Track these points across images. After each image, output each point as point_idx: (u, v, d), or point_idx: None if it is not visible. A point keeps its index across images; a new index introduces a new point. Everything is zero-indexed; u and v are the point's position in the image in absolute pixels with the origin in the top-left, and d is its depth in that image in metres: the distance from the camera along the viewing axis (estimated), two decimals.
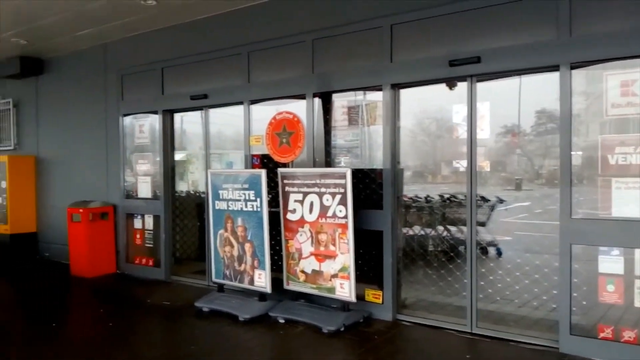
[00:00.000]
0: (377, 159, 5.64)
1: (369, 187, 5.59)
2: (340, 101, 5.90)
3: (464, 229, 5.12)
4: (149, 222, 7.73)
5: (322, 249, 5.39)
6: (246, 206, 5.82)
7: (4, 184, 9.11)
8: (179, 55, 7.13)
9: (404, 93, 5.41)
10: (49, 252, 9.24)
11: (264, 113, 6.34)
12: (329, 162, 5.93)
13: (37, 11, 6.61)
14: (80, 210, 7.73)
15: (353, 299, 5.18)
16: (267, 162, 6.34)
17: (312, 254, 5.48)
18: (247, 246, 5.84)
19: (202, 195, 7.56)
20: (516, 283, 5.03)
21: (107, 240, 7.95)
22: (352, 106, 5.83)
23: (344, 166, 5.82)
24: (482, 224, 5.24)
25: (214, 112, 7.00)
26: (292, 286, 5.70)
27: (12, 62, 8.89)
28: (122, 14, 6.74)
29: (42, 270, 8.54)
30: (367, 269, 5.54)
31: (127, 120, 7.95)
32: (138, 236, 7.86)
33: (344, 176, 5.15)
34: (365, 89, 5.65)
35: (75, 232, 7.85)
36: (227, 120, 7.05)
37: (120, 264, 8.07)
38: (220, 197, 6.08)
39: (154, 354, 4.67)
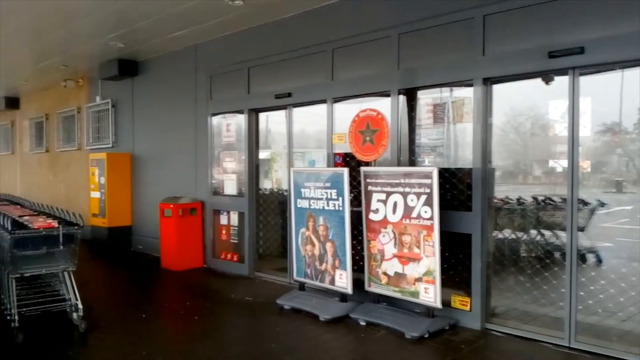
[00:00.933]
0: (463, 158, 5.36)
1: (456, 188, 5.32)
2: (425, 99, 5.67)
3: (561, 233, 4.72)
4: (234, 218, 7.90)
5: (405, 251, 5.20)
6: (328, 205, 5.75)
7: (103, 180, 9.72)
8: (265, 54, 7.21)
9: (496, 88, 5.09)
10: (141, 245, 9.74)
11: (347, 111, 6.25)
12: (413, 161, 5.73)
13: (135, 14, 6.95)
14: (171, 206, 8.06)
15: (438, 304, 4.95)
16: (349, 161, 6.25)
17: (395, 255, 5.30)
18: (329, 245, 5.78)
19: (285, 193, 7.63)
20: (620, 294, 4.56)
21: (195, 235, 8.23)
22: (438, 104, 5.58)
23: (429, 165, 5.58)
24: (581, 229, 4.81)
25: (297, 111, 7.01)
26: (373, 288, 5.56)
27: (111, 65, 9.46)
28: (211, 14, 6.92)
29: (135, 262, 9.01)
30: (454, 273, 5.28)
31: (215, 119, 8.18)
32: (224, 232, 8.06)
33: (429, 175, 4.93)
34: (453, 84, 5.38)
35: (166, 227, 8.20)
36: (309, 118, 7.03)
37: (206, 259, 8.32)
38: (302, 195, 6.06)
39: (237, 350, 4.72)
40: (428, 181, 4.93)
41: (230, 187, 7.99)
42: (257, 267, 7.70)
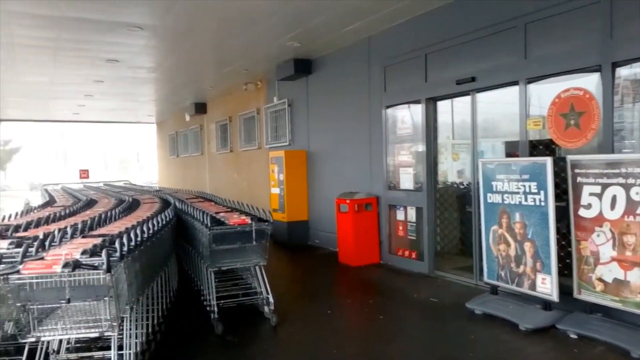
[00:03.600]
0: None
1: None
2: None
3: None
4: (411, 214, 7.58)
5: (628, 254, 4.36)
6: (526, 200, 5.11)
7: (281, 177, 10.12)
8: (443, 38, 6.73)
9: None
10: (318, 239, 9.93)
11: (542, 93, 5.52)
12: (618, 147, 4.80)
13: (312, 12, 6.98)
14: (347, 201, 8.02)
15: None
16: (542, 149, 5.51)
17: (614, 259, 4.48)
18: (527, 245, 5.13)
19: (462, 187, 7.10)
20: None
21: (371, 231, 8.09)
22: None
23: None
24: None
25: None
26: (584, 296, 4.79)
27: (287, 65, 9.78)
28: (383, 3, 6.67)
29: (314, 256, 9.20)
30: None
31: (390, 111, 7.93)
32: (400, 228, 7.78)
33: None
34: None
35: (343, 222, 8.20)
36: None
37: (383, 255, 8.13)
38: (494, 189, 5.48)
39: (430, 356, 4.38)
40: None
41: (407, 181, 7.68)
42: (436, 265, 7.28)
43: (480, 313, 5.34)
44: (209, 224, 5.04)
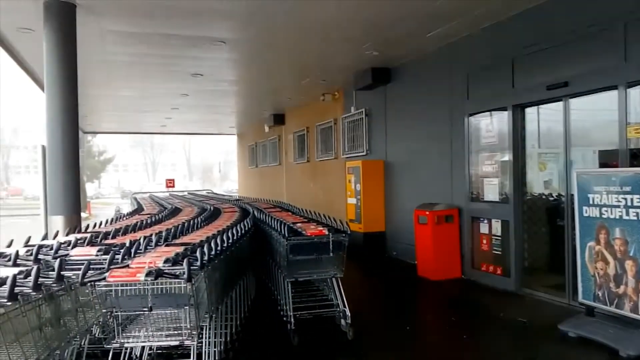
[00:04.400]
0: None
1: None
2: None
3: None
4: (496, 227, 7.18)
5: None
6: (627, 214, 4.65)
7: (358, 187, 10.01)
8: (532, 42, 6.35)
9: None
10: (395, 251, 9.70)
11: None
12: None
13: (389, 19, 6.86)
14: (426, 213, 7.76)
15: None
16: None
17: None
18: (629, 264, 4.66)
19: (550, 199, 6.62)
20: None
21: (451, 244, 7.77)
22: None
23: None
24: None
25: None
26: None
27: (365, 75, 9.69)
28: (470, 6, 6.41)
29: (391, 268, 8.98)
30: None
31: (473, 119, 7.60)
32: (484, 241, 7.40)
33: None
34: None
35: (422, 234, 7.93)
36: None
37: (465, 269, 7.77)
38: (590, 202, 5.04)
39: None
40: None
41: (491, 192, 7.29)
42: (524, 282, 6.83)
43: (574, 336, 4.91)
44: (287, 234, 5.02)
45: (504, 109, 6.90)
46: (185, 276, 3.19)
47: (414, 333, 5.38)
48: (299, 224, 5.57)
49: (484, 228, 7.41)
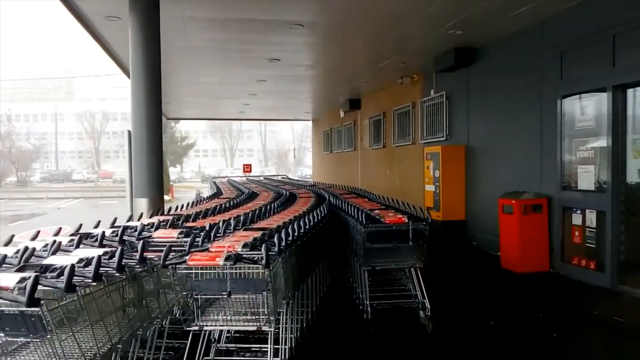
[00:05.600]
0: None
1: None
2: None
3: None
4: (591, 217, 6.63)
5: None
6: None
7: (437, 173, 9.65)
8: (637, 16, 5.73)
9: None
10: (476, 241, 9.28)
11: None
12: None
13: None
14: (512, 202, 7.31)
15: None
16: None
17: None
18: None
19: None
20: None
21: (539, 235, 7.28)
22: None
23: None
24: None
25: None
26: None
27: (447, 56, 9.26)
28: None
29: (471, 258, 8.60)
30: None
31: (567, 102, 7.02)
32: (576, 233, 6.86)
33: None
34: None
35: (507, 224, 7.50)
36: None
37: (553, 263, 7.26)
38: None
39: None
40: None
41: (586, 181, 6.73)
42: (621, 278, 6.26)
43: None
44: (364, 221, 4.87)
45: (602, 90, 6.30)
46: (263, 262, 3.13)
47: (498, 328, 5.07)
48: (376, 211, 5.40)
49: (576, 219, 6.87)
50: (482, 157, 9.14)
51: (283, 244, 3.59)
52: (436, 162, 9.69)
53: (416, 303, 5.12)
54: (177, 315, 4.03)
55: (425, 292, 5.02)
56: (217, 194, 9.70)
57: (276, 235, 3.60)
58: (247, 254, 3.28)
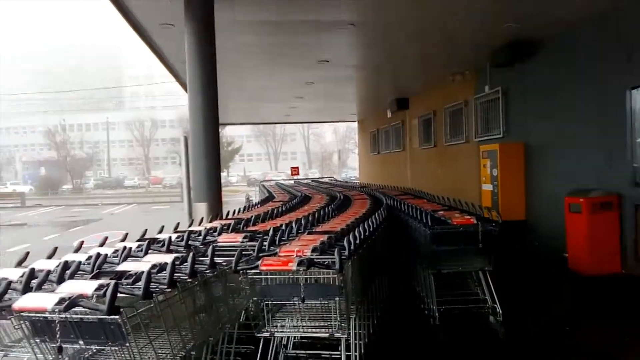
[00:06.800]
0: None
1: None
2: None
3: None
4: None
5: None
6: None
7: (495, 172, 9.31)
8: None
9: None
10: (537, 242, 8.88)
11: None
12: None
13: None
14: (580, 200, 6.95)
15: None
16: None
17: None
18: None
19: None
20: None
21: (610, 235, 6.90)
22: None
23: None
24: None
25: None
26: None
27: (502, 51, 8.91)
28: None
29: (534, 260, 8.23)
30: None
31: (636, 93, 6.62)
32: None
33: None
34: None
35: (574, 224, 7.14)
36: None
37: (627, 263, 6.85)
38: None
39: None
40: None
41: None
42: None
43: None
44: (429, 223, 4.69)
45: None
46: (336, 266, 3.02)
47: (574, 336, 4.78)
48: (440, 212, 5.22)
49: None
50: (543, 154, 8.75)
51: (352, 247, 3.48)
52: (494, 160, 9.36)
53: (486, 308, 4.90)
54: (242, 320, 3.98)
55: (496, 297, 4.80)
56: (270, 197, 9.69)
57: (345, 239, 3.50)
58: (318, 259, 3.18)
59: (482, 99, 10.60)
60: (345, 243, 3.43)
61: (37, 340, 2.50)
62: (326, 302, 3.28)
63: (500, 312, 4.70)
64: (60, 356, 2.50)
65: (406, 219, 5.69)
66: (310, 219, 4.93)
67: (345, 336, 3.31)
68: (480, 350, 4.45)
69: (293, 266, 3.00)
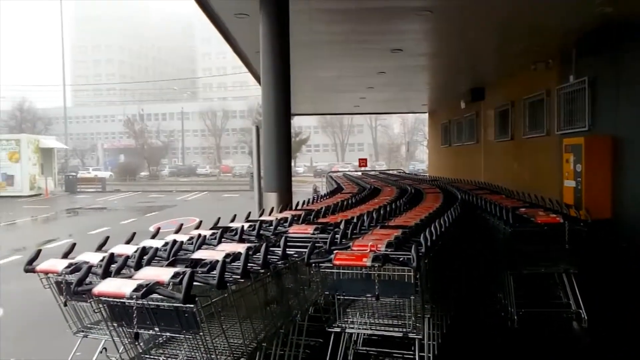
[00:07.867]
0: None
1: None
2: None
3: None
4: None
5: None
6: None
7: (579, 168, 8.72)
8: None
9: None
10: (626, 243, 8.23)
11: None
12: None
13: None
14: None
15: None
16: None
17: None
18: None
19: None
20: None
21: None
22: None
23: None
24: None
25: None
26: None
27: (590, 37, 8.28)
28: None
29: (623, 261, 7.62)
30: None
31: None
32: None
33: None
34: None
35: None
36: None
37: None
38: None
39: None
40: None
41: None
42: None
43: None
44: (511, 221, 4.42)
45: None
46: (413, 263, 2.88)
47: None
48: (522, 209, 4.91)
49: None
50: (636, 148, 8.07)
51: (429, 243, 3.31)
52: (578, 155, 8.75)
53: (569, 313, 4.57)
54: (311, 312, 3.93)
55: (581, 302, 4.46)
56: (338, 189, 9.61)
57: (422, 235, 3.34)
58: (393, 254, 3.05)
59: (566, 90, 9.92)
60: (422, 239, 3.27)
61: (115, 325, 2.55)
62: (400, 300, 3.15)
63: (586, 317, 4.36)
64: (136, 342, 2.54)
65: (484, 216, 5.42)
66: (381, 212, 4.80)
67: (420, 337, 3.16)
68: (562, 358, 4.15)
69: (368, 262, 2.89)
